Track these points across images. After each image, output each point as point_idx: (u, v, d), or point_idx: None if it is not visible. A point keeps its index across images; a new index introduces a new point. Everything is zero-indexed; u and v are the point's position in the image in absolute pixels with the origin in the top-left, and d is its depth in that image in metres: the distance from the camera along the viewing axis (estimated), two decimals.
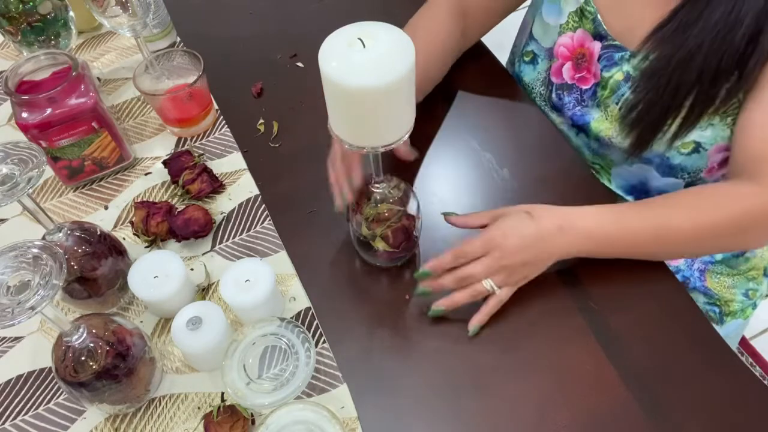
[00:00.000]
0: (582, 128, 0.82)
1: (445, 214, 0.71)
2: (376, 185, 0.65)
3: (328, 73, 0.50)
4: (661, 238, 0.66)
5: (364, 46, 0.50)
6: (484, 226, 0.68)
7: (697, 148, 0.73)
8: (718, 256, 0.84)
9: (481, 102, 0.88)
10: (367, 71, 0.49)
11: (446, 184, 0.80)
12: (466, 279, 0.65)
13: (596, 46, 0.77)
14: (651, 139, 0.72)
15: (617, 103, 0.76)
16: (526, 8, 0.91)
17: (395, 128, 0.55)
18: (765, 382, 0.72)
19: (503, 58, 0.96)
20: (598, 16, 0.75)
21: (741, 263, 0.85)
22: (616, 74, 0.75)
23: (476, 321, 0.66)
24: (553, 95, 0.84)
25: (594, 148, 0.83)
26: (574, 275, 0.70)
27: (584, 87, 0.80)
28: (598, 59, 0.77)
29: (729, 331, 0.87)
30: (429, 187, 0.79)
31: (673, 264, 0.85)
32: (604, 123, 0.78)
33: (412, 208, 0.68)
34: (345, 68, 0.50)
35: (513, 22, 0.93)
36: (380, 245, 0.67)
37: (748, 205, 0.65)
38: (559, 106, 0.83)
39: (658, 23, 0.68)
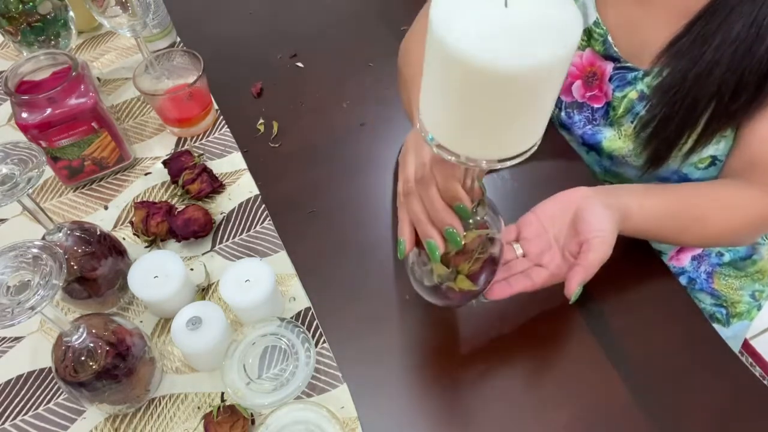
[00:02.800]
0: (593, 147, 0.81)
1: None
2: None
3: (451, 47, 0.32)
4: (683, 233, 0.67)
5: (506, 4, 0.33)
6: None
7: (714, 161, 0.73)
8: (726, 258, 0.84)
9: None
10: (516, 44, 0.32)
11: None
12: None
13: (608, 66, 0.75)
14: (666, 155, 0.71)
15: (632, 122, 0.74)
16: None
17: (532, 132, 0.39)
18: (765, 382, 0.72)
19: None
20: (609, 38, 0.74)
21: (748, 265, 0.85)
22: (630, 93, 0.74)
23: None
24: (563, 114, 0.83)
25: (606, 165, 0.83)
26: None
27: (596, 106, 0.79)
28: (610, 80, 0.76)
29: (735, 332, 0.87)
30: None
31: (679, 266, 0.85)
32: (617, 142, 0.77)
33: (496, 228, 0.52)
34: (480, 38, 0.32)
35: None
36: (466, 286, 0.53)
37: (762, 210, 0.67)
38: (569, 124, 0.82)
39: (673, 38, 0.67)
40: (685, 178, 0.76)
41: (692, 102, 0.66)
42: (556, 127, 0.86)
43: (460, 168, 0.46)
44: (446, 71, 0.35)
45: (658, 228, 0.65)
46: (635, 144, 0.74)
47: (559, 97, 0.82)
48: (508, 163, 0.39)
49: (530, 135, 0.39)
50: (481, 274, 0.54)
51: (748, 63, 0.62)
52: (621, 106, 0.75)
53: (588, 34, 0.76)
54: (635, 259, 0.71)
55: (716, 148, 0.71)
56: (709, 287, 0.85)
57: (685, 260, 0.85)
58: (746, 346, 1.25)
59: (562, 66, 0.35)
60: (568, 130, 0.83)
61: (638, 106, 0.73)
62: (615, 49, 0.74)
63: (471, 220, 0.50)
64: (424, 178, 0.51)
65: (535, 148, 0.40)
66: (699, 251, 0.85)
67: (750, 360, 1.26)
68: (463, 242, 0.50)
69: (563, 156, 0.81)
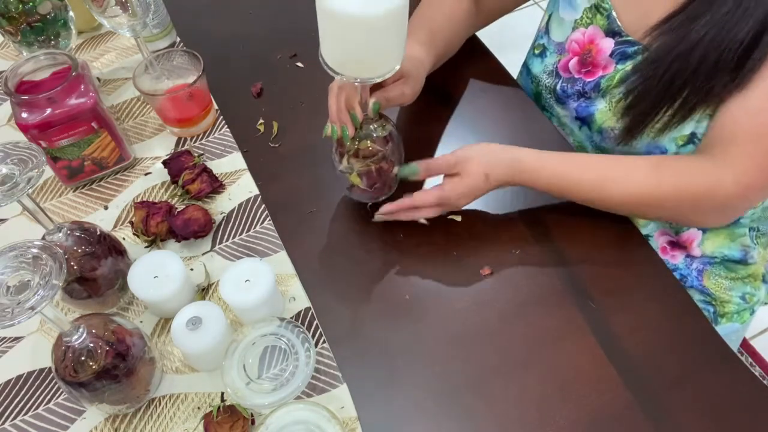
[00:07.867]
0: (585, 120, 0.83)
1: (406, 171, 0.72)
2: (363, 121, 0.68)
3: (327, 3, 0.53)
4: (599, 192, 0.70)
5: None
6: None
7: (693, 138, 0.73)
8: (718, 258, 0.84)
9: (481, 103, 0.89)
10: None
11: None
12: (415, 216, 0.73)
13: (608, 43, 0.77)
14: (639, 129, 0.73)
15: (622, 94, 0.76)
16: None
17: (386, 60, 0.59)
18: (765, 382, 0.72)
19: (503, 59, 0.96)
20: (613, 13, 0.76)
21: (740, 268, 0.85)
22: (628, 65, 0.76)
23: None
24: (558, 88, 0.85)
25: (596, 141, 0.84)
26: (573, 274, 0.70)
27: (587, 79, 0.81)
28: (612, 54, 0.77)
29: (723, 333, 0.87)
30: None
31: (671, 262, 0.85)
32: (607, 114, 0.79)
33: (392, 152, 0.70)
34: None
35: (516, 23, 0.93)
36: (356, 181, 0.70)
37: (707, 183, 0.67)
38: (564, 98, 0.84)
39: (668, 14, 0.68)
40: (663, 152, 0.77)
41: (670, 78, 0.68)
42: (552, 105, 0.87)
43: (356, 87, 0.65)
44: (328, 18, 0.55)
45: (557, 184, 0.71)
46: (615, 113, 0.76)
47: (557, 72, 0.85)
48: (372, 81, 0.60)
49: (386, 62, 0.59)
50: (369, 179, 0.70)
51: (728, 44, 0.63)
52: (617, 77, 0.77)
53: (594, 10, 0.78)
54: (635, 258, 0.71)
55: (697, 125, 0.71)
56: (700, 284, 0.85)
57: (679, 257, 0.85)
58: (746, 346, 1.25)
59: (397, 12, 0.54)
60: (563, 104, 0.85)
61: (632, 77, 0.74)
62: (618, 23, 0.76)
63: (365, 131, 0.68)
64: (342, 87, 0.67)
65: (394, 71, 0.60)
66: (694, 251, 0.84)
67: (750, 360, 1.26)
68: (350, 138, 0.67)
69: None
